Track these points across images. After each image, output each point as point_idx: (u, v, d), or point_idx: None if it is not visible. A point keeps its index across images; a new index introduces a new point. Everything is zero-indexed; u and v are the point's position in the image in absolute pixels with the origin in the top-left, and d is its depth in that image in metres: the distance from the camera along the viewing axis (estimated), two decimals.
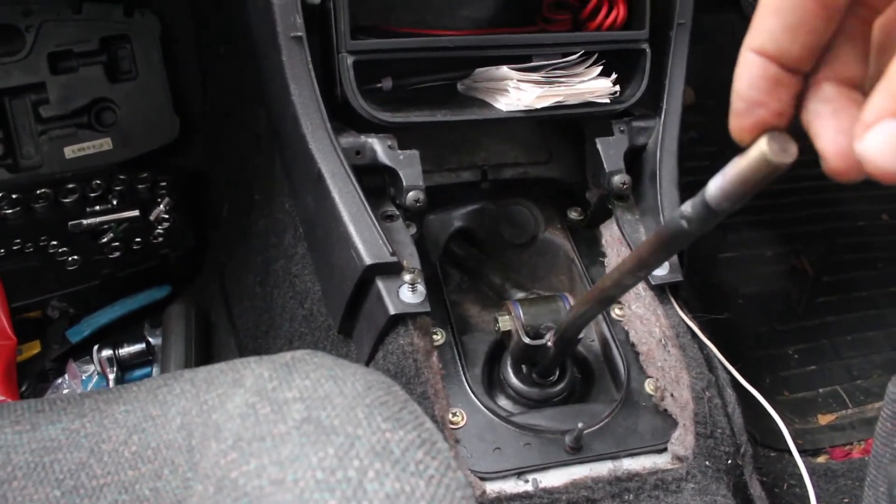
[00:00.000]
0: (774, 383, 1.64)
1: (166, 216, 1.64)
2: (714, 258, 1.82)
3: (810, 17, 0.38)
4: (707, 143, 2.11)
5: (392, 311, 0.93)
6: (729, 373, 1.02)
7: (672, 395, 0.97)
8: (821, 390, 1.64)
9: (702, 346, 1.02)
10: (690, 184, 2.07)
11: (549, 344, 0.91)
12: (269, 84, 1.11)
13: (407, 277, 0.94)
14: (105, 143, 1.77)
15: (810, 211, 2.00)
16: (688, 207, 0.55)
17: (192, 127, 1.80)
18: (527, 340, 0.92)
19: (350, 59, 1.00)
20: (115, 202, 1.66)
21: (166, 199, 1.65)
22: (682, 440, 0.94)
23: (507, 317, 0.95)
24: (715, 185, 0.50)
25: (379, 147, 1.02)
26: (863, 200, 2.06)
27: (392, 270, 0.95)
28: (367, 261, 0.94)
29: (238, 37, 1.46)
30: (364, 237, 0.95)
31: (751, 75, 0.40)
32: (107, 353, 1.43)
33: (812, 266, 1.88)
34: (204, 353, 1.45)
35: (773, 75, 0.40)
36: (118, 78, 1.77)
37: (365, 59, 1.01)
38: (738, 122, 0.43)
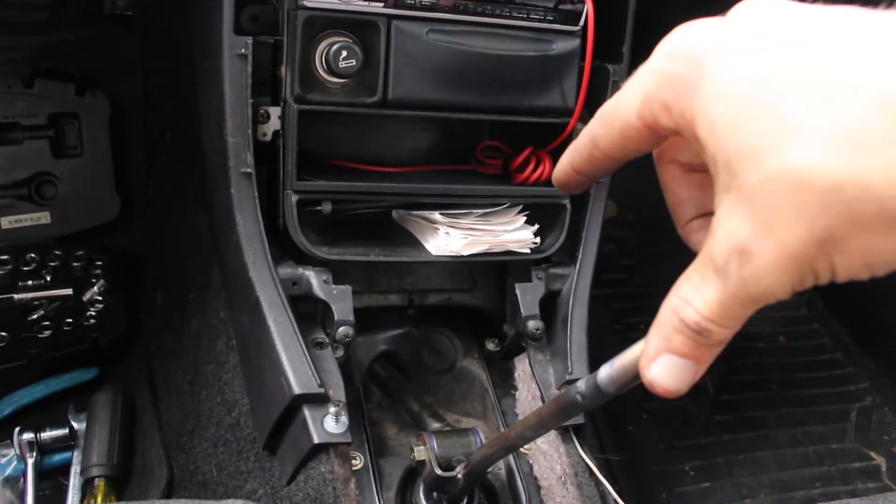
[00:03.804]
0: (670, 499, 1.74)
1: (99, 298, 1.67)
2: None
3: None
4: (625, 256, 2.24)
5: (316, 440, 1.00)
6: None
7: None
8: None
9: (598, 483, 1.10)
10: (608, 296, 2.20)
11: (459, 476, 0.98)
12: (217, 205, 1.18)
13: (332, 409, 1.01)
14: (43, 217, 1.78)
15: None
16: (582, 385, 0.64)
17: (132, 208, 1.84)
18: (439, 472, 0.99)
19: (294, 198, 1.08)
20: (48, 278, 1.68)
21: (101, 282, 1.68)
22: None
23: (422, 447, 1.02)
24: (604, 372, 0.60)
25: (315, 281, 1.10)
26: (763, 322, 2.21)
27: (319, 400, 1.02)
28: (296, 390, 1.01)
29: (185, 132, 1.51)
30: (295, 367, 1.02)
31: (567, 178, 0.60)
32: (28, 436, 1.45)
33: (713, 384, 2.00)
34: (127, 443, 1.48)
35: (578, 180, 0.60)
36: (63, 153, 1.78)
37: (308, 198, 1.09)
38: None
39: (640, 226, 2.32)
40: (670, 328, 0.47)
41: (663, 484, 1.76)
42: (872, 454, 1.95)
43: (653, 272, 2.20)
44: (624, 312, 2.11)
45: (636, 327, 2.07)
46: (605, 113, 0.54)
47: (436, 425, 1.16)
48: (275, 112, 1.09)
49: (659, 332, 0.48)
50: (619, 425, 1.84)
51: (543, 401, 1.15)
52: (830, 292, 2.29)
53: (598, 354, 1.24)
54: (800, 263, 0.41)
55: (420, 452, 1.01)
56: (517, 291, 1.18)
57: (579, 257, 1.22)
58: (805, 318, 2.29)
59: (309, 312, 1.13)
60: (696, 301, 0.45)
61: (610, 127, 0.53)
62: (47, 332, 1.60)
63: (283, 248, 1.13)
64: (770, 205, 0.40)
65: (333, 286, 1.10)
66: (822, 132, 0.39)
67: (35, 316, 1.62)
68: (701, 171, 0.56)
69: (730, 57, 0.45)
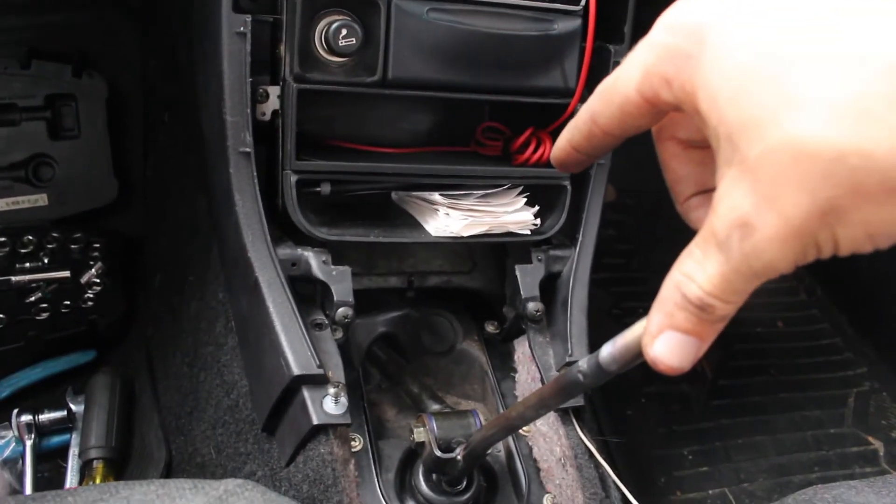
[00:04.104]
0: (669, 483, 1.74)
1: (97, 280, 1.67)
2: None
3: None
4: (624, 241, 2.24)
5: (315, 421, 1.00)
6: (621, 493, 1.11)
7: None
8: (710, 491, 1.75)
9: (598, 465, 1.10)
10: (607, 280, 2.19)
11: (459, 458, 0.98)
12: (215, 186, 1.17)
13: (331, 390, 1.00)
14: (41, 199, 1.78)
15: None
16: (584, 364, 0.64)
17: (130, 191, 1.84)
18: (438, 453, 0.99)
19: (293, 178, 1.07)
20: (45, 260, 1.68)
21: (98, 264, 1.68)
22: None
23: (421, 429, 1.01)
24: (606, 351, 0.60)
25: (314, 262, 1.09)
26: (761, 307, 2.21)
27: (318, 381, 1.02)
28: (295, 371, 1.00)
29: (184, 114, 1.51)
30: (294, 347, 1.02)
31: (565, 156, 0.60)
32: (26, 418, 1.44)
33: (711, 369, 2.00)
34: (126, 426, 1.48)
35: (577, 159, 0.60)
36: (60, 135, 1.78)
37: (307, 178, 1.09)
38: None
39: (640, 210, 2.32)
40: (673, 304, 0.46)
41: (662, 468, 1.77)
42: (870, 439, 1.95)
43: (652, 257, 2.19)
44: (623, 296, 2.11)
45: (635, 311, 2.07)
46: (605, 89, 0.53)
47: (435, 407, 1.16)
48: (274, 91, 1.08)
49: (661, 308, 0.47)
50: (618, 409, 1.84)
51: (543, 383, 1.15)
52: (829, 278, 2.29)
53: (597, 338, 1.23)
54: (802, 236, 0.40)
55: (419, 434, 1.01)
56: (517, 273, 1.18)
57: (580, 239, 1.22)
58: (804, 304, 2.29)
59: (308, 293, 1.12)
60: (698, 276, 0.45)
61: (609, 103, 0.53)
62: (45, 315, 1.59)
63: (282, 230, 1.13)
64: (772, 177, 0.40)
65: (333, 267, 1.09)
66: (825, 102, 0.39)
67: (33, 298, 1.62)
68: (700, 148, 0.56)
69: (731, 30, 0.45)
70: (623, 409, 1.85)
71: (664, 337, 0.47)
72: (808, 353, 2.15)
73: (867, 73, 0.38)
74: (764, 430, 1.90)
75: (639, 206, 2.33)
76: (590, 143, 0.56)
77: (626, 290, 2.12)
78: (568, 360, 1.13)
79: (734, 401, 1.95)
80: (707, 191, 0.57)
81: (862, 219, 0.39)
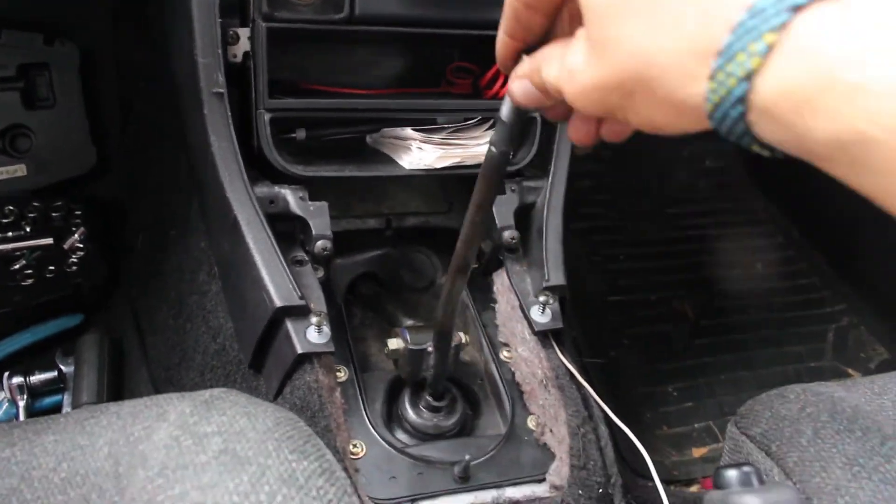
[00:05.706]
0: (655, 418, 1.78)
1: (80, 245, 1.68)
2: (604, 301, 1.96)
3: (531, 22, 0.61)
4: (601, 191, 2.26)
5: (299, 351, 1.02)
6: (603, 411, 1.14)
7: (551, 431, 1.08)
8: (696, 425, 1.79)
9: (579, 386, 1.13)
10: (585, 230, 2.21)
11: (430, 349, 1.00)
12: (191, 132, 1.19)
13: (314, 320, 1.03)
14: (19, 170, 1.78)
15: (694, 258, 2.17)
16: (491, 135, 0.70)
17: (108, 157, 1.84)
18: (412, 347, 1.00)
19: (267, 116, 1.09)
20: (28, 229, 1.69)
21: (81, 229, 1.69)
22: (559, 471, 1.05)
23: (395, 339, 1.04)
24: (504, 106, 0.67)
25: (291, 198, 1.11)
26: (741, 251, 2.24)
27: (300, 313, 1.04)
28: (278, 303, 1.02)
29: (159, 76, 1.52)
30: (275, 281, 1.04)
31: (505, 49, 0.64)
32: (17, 380, 1.46)
33: (692, 310, 2.04)
34: (116, 382, 1.50)
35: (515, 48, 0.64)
36: (35, 105, 1.77)
37: (281, 117, 1.10)
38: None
39: (616, 162, 2.34)
40: (537, 66, 0.59)
41: (648, 404, 1.80)
42: (850, 371, 1.99)
43: (627, 205, 2.22)
44: (601, 244, 2.13)
45: (615, 259, 2.10)
46: None
47: (409, 322, 1.19)
48: (244, 33, 1.10)
49: (532, 63, 0.60)
50: (601, 352, 1.87)
51: (523, 310, 1.17)
52: (805, 219, 2.33)
53: (578, 286, 1.26)
54: (603, 100, 0.51)
55: (394, 343, 1.03)
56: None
57: (551, 170, 1.24)
58: (782, 246, 2.32)
59: (287, 231, 1.14)
60: (550, 69, 0.57)
61: None
62: (30, 280, 1.60)
63: (258, 171, 1.14)
64: (603, 56, 0.50)
65: (310, 203, 1.11)
66: (656, 19, 0.45)
67: (17, 266, 1.63)
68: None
69: None
70: (606, 350, 1.88)
71: (523, 81, 0.61)
72: (787, 292, 2.19)
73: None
74: (746, 366, 1.94)
75: (615, 157, 2.35)
76: (519, 23, 0.62)
77: (604, 239, 2.15)
78: (545, 284, 1.16)
79: (716, 339, 1.98)
80: None
81: (646, 112, 0.49)
